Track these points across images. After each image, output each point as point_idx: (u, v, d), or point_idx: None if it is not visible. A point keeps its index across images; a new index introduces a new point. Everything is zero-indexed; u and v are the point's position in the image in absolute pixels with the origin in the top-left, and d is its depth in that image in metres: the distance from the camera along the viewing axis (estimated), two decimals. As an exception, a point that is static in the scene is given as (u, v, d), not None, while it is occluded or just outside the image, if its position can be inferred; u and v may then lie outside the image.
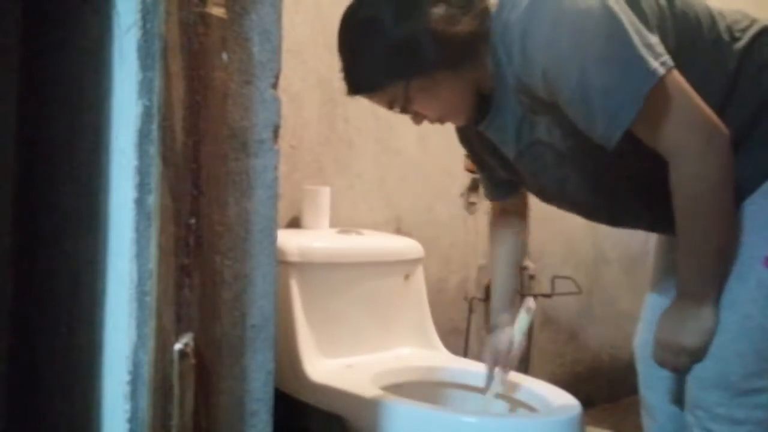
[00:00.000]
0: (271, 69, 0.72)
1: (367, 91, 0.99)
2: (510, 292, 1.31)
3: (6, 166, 0.82)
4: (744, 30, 0.97)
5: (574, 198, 1.05)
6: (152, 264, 0.65)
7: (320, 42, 1.71)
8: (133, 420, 0.66)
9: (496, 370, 1.26)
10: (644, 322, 1.19)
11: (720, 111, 0.89)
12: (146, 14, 0.65)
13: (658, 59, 0.84)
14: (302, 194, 1.62)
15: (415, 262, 1.63)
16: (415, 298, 1.63)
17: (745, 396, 0.92)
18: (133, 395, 0.66)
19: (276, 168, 0.73)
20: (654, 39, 0.86)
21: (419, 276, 1.64)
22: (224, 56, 0.68)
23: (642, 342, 1.18)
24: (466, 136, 1.19)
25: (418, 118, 1.04)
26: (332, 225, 1.64)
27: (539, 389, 1.32)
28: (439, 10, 0.92)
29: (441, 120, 1.05)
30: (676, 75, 0.86)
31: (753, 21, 0.99)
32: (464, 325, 2.10)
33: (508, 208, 1.30)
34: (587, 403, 1.53)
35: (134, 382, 0.66)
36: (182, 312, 0.67)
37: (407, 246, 1.64)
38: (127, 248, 0.66)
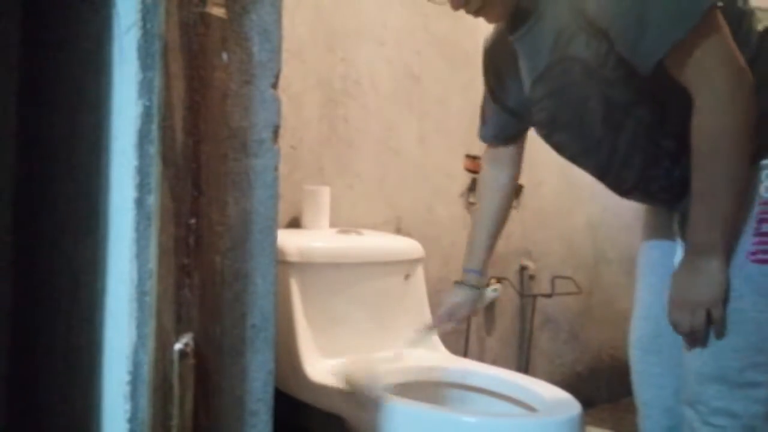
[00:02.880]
0: (271, 69, 0.72)
1: None
2: (486, 251, 1.33)
3: (6, 166, 0.82)
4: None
5: (582, 130, 1.06)
6: (152, 264, 0.65)
7: (320, 42, 1.71)
8: (133, 420, 0.66)
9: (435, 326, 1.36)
10: (636, 318, 1.20)
11: None
12: (146, 14, 0.65)
13: None
14: (302, 194, 1.62)
15: (415, 262, 1.63)
16: (415, 298, 1.63)
17: (743, 389, 0.95)
18: (133, 395, 0.66)
19: (276, 168, 0.73)
20: None
21: (419, 276, 1.64)
22: (224, 56, 0.68)
23: (636, 338, 1.19)
24: (493, 60, 1.21)
25: (463, 6, 1.09)
26: (332, 225, 1.64)
27: (539, 389, 1.32)
28: None
29: (479, 10, 1.08)
30: (721, 13, 0.89)
31: None
32: (464, 325, 2.10)
33: (501, 158, 1.32)
34: (587, 403, 1.53)
35: (134, 382, 0.66)
36: (182, 312, 0.67)
37: (407, 246, 1.64)
38: (127, 248, 0.66)
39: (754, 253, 0.95)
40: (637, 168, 1.04)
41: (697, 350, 0.98)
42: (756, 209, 0.95)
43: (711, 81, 0.90)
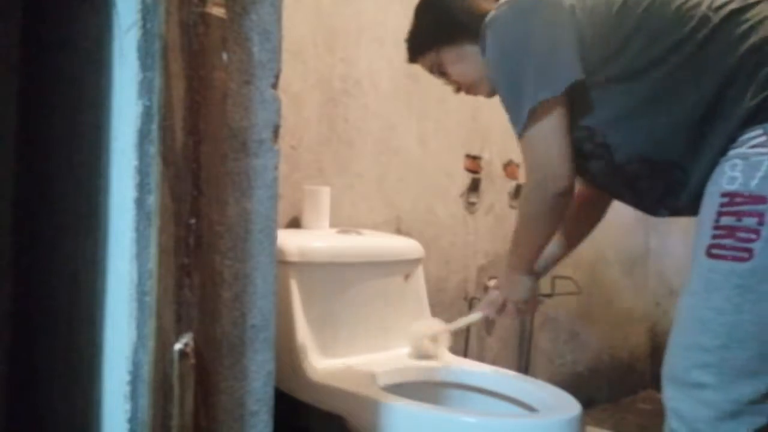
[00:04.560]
0: (271, 69, 0.72)
1: (412, 59, 1.28)
2: (548, 265, 1.37)
3: (6, 166, 0.82)
4: (722, 6, 0.97)
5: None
6: (152, 264, 0.65)
7: (320, 42, 1.71)
8: (133, 420, 0.66)
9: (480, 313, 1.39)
10: None
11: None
12: (146, 14, 0.65)
13: (542, 88, 0.99)
14: (302, 194, 1.62)
15: (415, 262, 1.63)
16: (415, 298, 1.63)
17: (689, 389, 0.91)
18: (133, 395, 0.66)
19: (276, 168, 0.73)
20: (564, 58, 1.00)
21: (419, 276, 1.64)
22: (224, 56, 0.68)
23: None
24: None
25: (452, 84, 1.24)
26: (332, 225, 1.64)
27: (539, 389, 1.32)
28: None
29: (469, 90, 1.23)
30: (549, 108, 1.00)
31: None
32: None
33: (587, 196, 1.32)
34: (587, 403, 1.53)
35: (134, 382, 0.66)
36: (182, 312, 0.67)
37: (407, 246, 1.64)
38: (127, 248, 0.66)
39: (709, 247, 0.91)
40: (644, 191, 1.08)
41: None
42: (717, 201, 0.92)
43: (527, 173, 1.07)
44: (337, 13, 1.74)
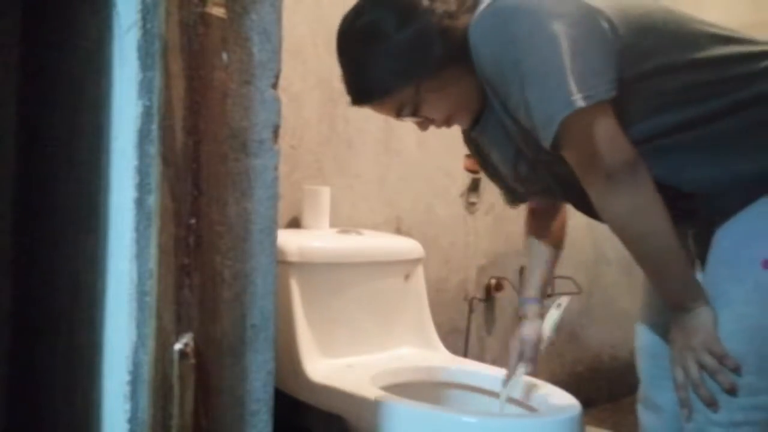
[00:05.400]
0: (271, 69, 0.72)
1: (379, 98, 0.98)
2: (543, 285, 1.28)
3: (6, 166, 0.82)
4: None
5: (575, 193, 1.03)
6: (152, 264, 0.65)
7: (320, 42, 1.71)
8: (133, 420, 0.66)
9: (520, 365, 1.24)
10: (642, 325, 1.19)
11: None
12: (146, 14, 0.65)
13: (584, 91, 0.83)
14: (302, 194, 1.62)
15: (415, 262, 1.63)
16: (415, 298, 1.63)
17: (744, 397, 0.89)
18: (133, 395, 0.66)
19: (276, 168, 0.73)
20: (600, 66, 0.86)
21: (419, 276, 1.64)
22: (224, 56, 0.68)
23: (643, 344, 1.18)
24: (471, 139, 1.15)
25: (425, 123, 1.03)
26: (332, 225, 1.64)
27: (539, 389, 1.32)
28: (439, 8, 0.93)
29: (448, 122, 1.03)
30: (598, 109, 0.85)
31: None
32: (464, 325, 2.10)
33: (541, 208, 1.26)
34: (587, 403, 1.53)
35: (134, 382, 0.66)
36: (182, 312, 0.67)
37: (407, 246, 1.64)
38: (127, 248, 0.66)
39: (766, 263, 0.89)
40: None
41: None
42: None
43: (583, 183, 0.91)
44: (337, 13, 1.73)
